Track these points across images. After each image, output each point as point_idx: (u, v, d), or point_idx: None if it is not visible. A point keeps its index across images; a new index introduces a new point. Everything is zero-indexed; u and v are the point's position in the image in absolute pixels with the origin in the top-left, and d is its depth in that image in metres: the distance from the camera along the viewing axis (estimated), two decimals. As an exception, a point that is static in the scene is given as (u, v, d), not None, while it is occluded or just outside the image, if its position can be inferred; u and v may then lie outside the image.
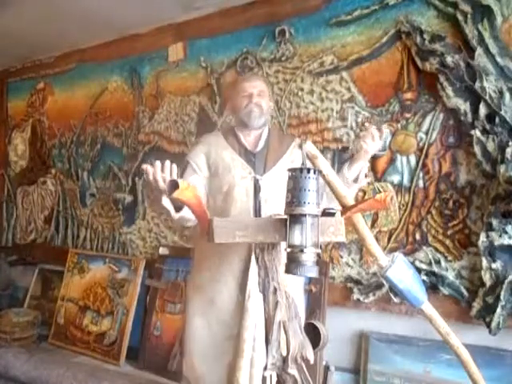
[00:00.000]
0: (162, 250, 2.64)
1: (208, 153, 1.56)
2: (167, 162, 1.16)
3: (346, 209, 1.14)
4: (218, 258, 1.48)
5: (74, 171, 3.24)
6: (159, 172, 1.15)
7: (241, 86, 1.60)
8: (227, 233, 1.08)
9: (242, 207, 1.47)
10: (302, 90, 2.24)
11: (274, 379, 1.17)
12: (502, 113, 1.70)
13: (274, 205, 1.46)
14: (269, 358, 1.14)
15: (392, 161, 2.00)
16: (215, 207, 1.52)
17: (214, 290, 1.48)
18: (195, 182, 1.48)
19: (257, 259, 1.19)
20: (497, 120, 1.72)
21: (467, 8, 1.79)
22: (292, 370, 1.13)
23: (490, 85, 1.73)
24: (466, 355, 1.17)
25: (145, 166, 1.17)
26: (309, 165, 1.05)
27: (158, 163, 1.16)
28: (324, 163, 1.11)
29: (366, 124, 1.46)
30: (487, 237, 1.71)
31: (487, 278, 1.71)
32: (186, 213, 1.30)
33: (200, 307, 1.51)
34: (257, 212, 1.47)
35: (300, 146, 1.13)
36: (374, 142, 1.42)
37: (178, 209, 1.30)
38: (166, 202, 1.26)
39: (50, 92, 3.44)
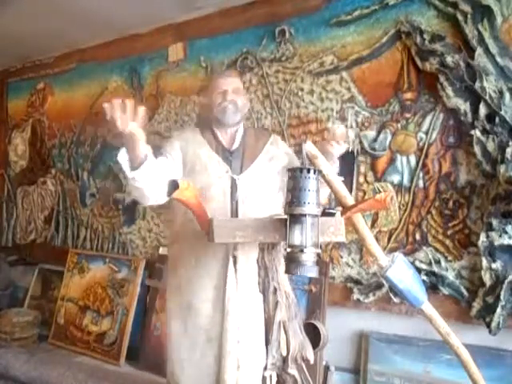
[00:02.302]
0: (162, 250, 2.64)
1: (185, 149, 1.51)
2: (127, 100, 1.06)
3: (345, 209, 1.14)
4: (194, 259, 1.46)
5: (73, 171, 3.24)
6: (118, 111, 1.05)
7: (215, 82, 1.57)
8: (227, 233, 1.09)
9: (219, 207, 1.44)
10: (301, 90, 2.24)
11: (274, 379, 1.17)
12: (502, 113, 1.70)
13: (252, 205, 1.45)
14: (269, 358, 1.14)
15: (392, 161, 2.00)
16: None
17: (191, 293, 1.45)
18: (162, 162, 1.36)
19: (257, 259, 1.19)
20: (497, 120, 1.72)
21: (467, 8, 1.79)
22: (292, 370, 1.13)
23: (489, 85, 1.73)
24: (466, 355, 1.17)
25: (105, 105, 1.06)
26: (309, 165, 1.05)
27: (116, 100, 1.05)
28: (324, 163, 1.11)
29: (329, 125, 1.44)
30: (487, 237, 1.71)
31: (487, 278, 1.71)
32: (143, 176, 1.17)
33: (177, 311, 1.50)
34: (233, 212, 1.45)
35: (300, 146, 1.13)
36: (339, 145, 1.39)
37: (135, 168, 1.16)
38: (121, 155, 1.16)
39: (50, 92, 3.44)
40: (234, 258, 1.42)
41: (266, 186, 1.52)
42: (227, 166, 1.49)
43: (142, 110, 1.11)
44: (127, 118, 1.07)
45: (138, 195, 1.29)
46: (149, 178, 1.21)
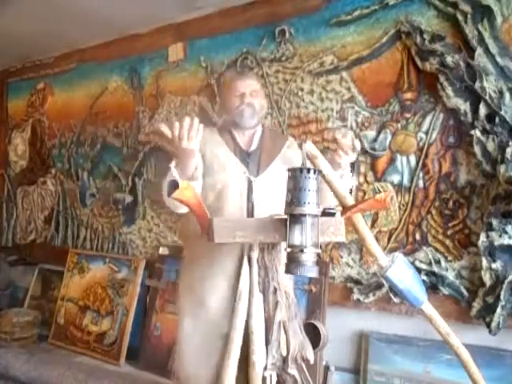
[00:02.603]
0: (162, 250, 2.64)
1: (203, 149, 1.50)
2: (196, 119, 1.15)
3: (345, 209, 1.14)
4: (210, 258, 1.46)
5: (74, 171, 3.24)
6: (186, 130, 1.14)
7: (233, 85, 1.56)
8: (227, 233, 1.09)
9: (236, 207, 1.45)
10: (302, 90, 2.24)
11: (274, 379, 1.17)
12: (502, 113, 1.70)
13: (267, 207, 1.44)
14: (269, 358, 1.14)
15: (392, 161, 2.00)
16: (206, 205, 1.49)
17: (205, 290, 1.46)
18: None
19: (257, 259, 1.19)
20: (497, 120, 1.72)
21: (467, 8, 1.79)
22: (292, 370, 1.13)
23: (489, 85, 1.73)
24: (466, 355, 1.17)
25: (175, 123, 1.14)
26: (309, 165, 1.05)
27: (186, 119, 1.14)
28: (324, 163, 1.11)
29: (338, 136, 1.43)
30: (487, 237, 1.71)
31: (487, 278, 1.71)
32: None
33: (190, 308, 1.50)
34: (249, 213, 1.46)
35: (300, 146, 1.13)
36: (347, 155, 1.39)
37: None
38: (173, 168, 1.21)
39: (50, 92, 3.44)
40: (249, 258, 1.42)
41: (281, 189, 1.52)
42: (244, 168, 1.50)
43: (201, 127, 1.18)
44: (193, 136, 1.16)
45: (177, 206, 1.34)
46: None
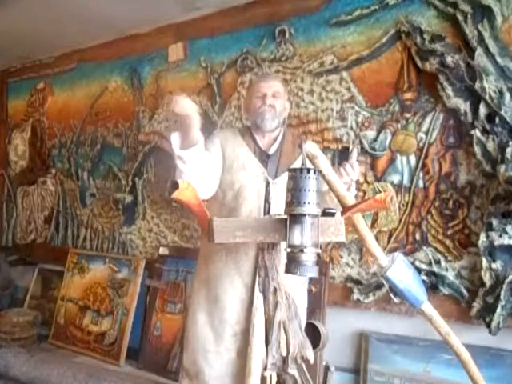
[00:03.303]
0: (162, 250, 2.64)
1: (224, 146, 1.54)
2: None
3: (345, 209, 1.14)
4: (225, 254, 1.47)
5: (74, 171, 3.24)
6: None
7: (256, 86, 1.57)
8: (227, 233, 1.09)
9: (253, 207, 1.47)
10: (302, 90, 2.24)
11: (274, 379, 1.17)
12: (502, 113, 1.70)
13: (282, 210, 1.46)
14: (269, 358, 1.14)
15: (392, 161, 2.00)
16: (224, 203, 1.51)
17: (219, 288, 1.47)
18: (207, 156, 1.42)
19: (257, 259, 1.19)
20: (497, 120, 1.72)
21: (467, 8, 1.79)
22: (292, 370, 1.13)
23: (489, 85, 1.73)
24: (465, 355, 1.17)
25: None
26: (309, 165, 1.05)
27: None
28: (324, 163, 1.11)
29: (354, 156, 1.46)
30: (487, 237, 1.71)
31: (487, 278, 1.71)
32: (191, 158, 1.26)
33: (204, 304, 1.51)
34: (266, 213, 1.47)
35: (300, 146, 1.13)
36: (348, 176, 1.43)
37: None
38: (174, 136, 1.27)
39: (50, 92, 3.44)
40: None
41: None
42: (263, 168, 1.51)
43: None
44: (186, 101, 1.22)
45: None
46: (195, 162, 1.28)
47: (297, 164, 1.54)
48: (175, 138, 1.27)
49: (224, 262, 1.48)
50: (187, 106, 1.22)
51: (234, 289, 1.45)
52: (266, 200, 1.47)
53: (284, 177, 1.49)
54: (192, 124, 1.24)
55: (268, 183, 1.48)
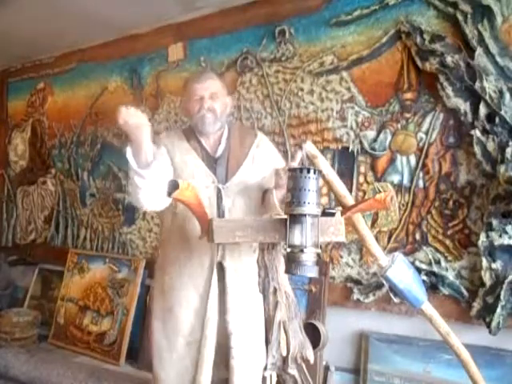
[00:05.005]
0: (162, 250, 2.64)
1: (172, 154, 1.49)
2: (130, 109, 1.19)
3: (345, 209, 1.14)
4: (179, 266, 1.45)
5: (74, 171, 3.24)
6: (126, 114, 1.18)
7: (192, 88, 1.49)
8: (227, 233, 1.09)
9: None
10: (301, 90, 2.24)
11: (274, 379, 1.18)
12: (502, 113, 1.70)
13: (238, 213, 1.44)
14: (269, 358, 1.14)
15: (392, 161, 2.00)
16: (176, 212, 1.46)
17: (174, 300, 1.46)
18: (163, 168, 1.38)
19: (257, 259, 1.19)
20: (497, 120, 1.72)
21: (467, 8, 1.79)
22: (292, 370, 1.13)
23: (489, 85, 1.73)
24: (465, 355, 1.18)
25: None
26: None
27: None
28: (324, 163, 1.11)
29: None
30: (487, 237, 1.71)
31: (487, 278, 1.71)
32: (151, 174, 1.24)
33: (160, 313, 1.51)
34: None
35: (300, 147, 1.13)
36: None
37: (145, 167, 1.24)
38: (129, 152, 1.25)
39: (49, 92, 3.44)
40: (222, 266, 1.42)
41: (251, 192, 1.50)
42: (213, 176, 1.46)
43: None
44: (135, 113, 1.19)
45: (139, 196, 1.31)
46: (156, 177, 1.26)
47: (247, 163, 1.50)
48: (130, 153, 1.25)
49: (178, 273, 1.46)
50: (136, 118, 1.19)
51: (188, 301, 1.44)
52: (219, 207, 1.44)
53: (235, 179, 1.46)
54: (143, 135, 1.22)
55: (219, 189, 1.45)
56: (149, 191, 1.28)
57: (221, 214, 1.44)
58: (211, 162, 1.49)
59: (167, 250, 1.53)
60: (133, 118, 1.19)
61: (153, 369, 1.53)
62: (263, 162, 1.53)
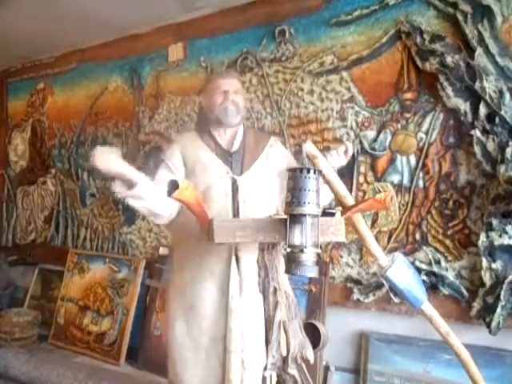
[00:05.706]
0: (162, 250, 2.64)
1: (184, 151, 1.53)
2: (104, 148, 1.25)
3: (345, 209, 1.14)
4: (199, 259, 1.46)
5: (73, 171, 3.24)
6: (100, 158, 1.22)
7: (216, 83, 1.56)
8: (227, 233, 1.09)
9: (221, 207, 1.44)
10: (301, 90, 2.24)
11: (274, 379, 1.17)
12: (502, 113, 1.70)
13: (253, 206, 1.45)
14: (269, 358, 1.14)
15: (392, 161, 2.00)
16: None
17: (195, 294, 1.46)
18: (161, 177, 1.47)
19: (257, 259, 1.19)
20: (497, 120, 1.72)
21: (467, 8, 1.79)
22: (292, 370, 1.13)
23: (489, 85, 1.73)
24: (465, 355, 1.17)
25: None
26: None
27: (98, 148, 1.23)
28: (324, 163, 1.11)
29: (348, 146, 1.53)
30: (487, 237, 1.71)
31: (487, 278, 1.71)
32: (140, 194, 1.30)
33: (181, 312, 1.50)
34: (235, 213, 1.45)
35: (300, 146, 1.13)
36: (338, 157, 1.50)
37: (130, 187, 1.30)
38: (115, 184, 1.31)
39: (49, 92, 3.44)
40: (237, 257, 1.42)
41: (266, 187, 1.53)
42: (227, 167, 1.49)
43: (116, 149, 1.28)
44: (108, 158, 1.24)
45: (147, 213, 1.42)
46: (145, 195, 1.32)
47: (261, 159, 1.54)
48: (116, 185, 1.31)
49: (198, 267, 1.46)
50: (107, 161, 1.23)
51: (209, 293, 1.44)
52: (234, 198, 1.46)
53: (250, 173, 1.49)
54: (119, 173, 1.27)
55: (235, 181, 1.47)
56: (150, 206, 1.36)
57: (236, 206, 1.46)
58: (226, 156, 1.52)
59: (185, 247, 1.52)
60: (101, 156, 1.23)
61: (172, 372, 1.51)
62: (277, 160, 1.58)
